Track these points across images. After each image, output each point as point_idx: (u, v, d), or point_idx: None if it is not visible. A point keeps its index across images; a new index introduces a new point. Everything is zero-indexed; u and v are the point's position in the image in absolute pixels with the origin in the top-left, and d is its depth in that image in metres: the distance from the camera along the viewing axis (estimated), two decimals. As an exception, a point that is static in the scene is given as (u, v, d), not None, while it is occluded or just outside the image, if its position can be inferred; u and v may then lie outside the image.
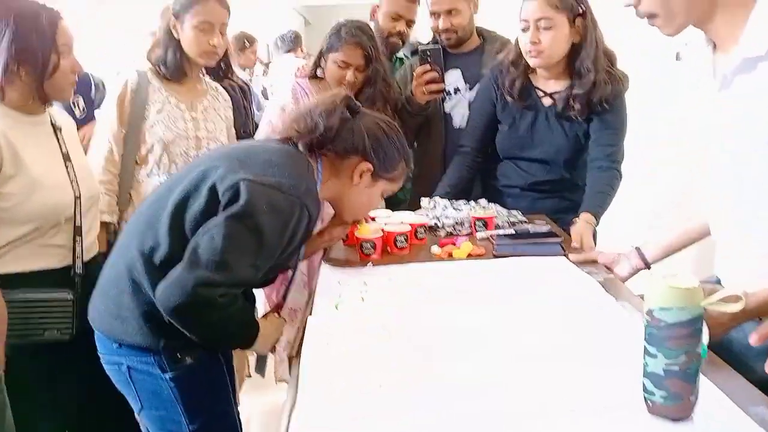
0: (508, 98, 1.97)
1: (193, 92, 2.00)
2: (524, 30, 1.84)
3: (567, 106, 1.88)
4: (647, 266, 1.45)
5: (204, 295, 1.13)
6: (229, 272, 1.14)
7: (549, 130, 1.94)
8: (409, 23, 2.43)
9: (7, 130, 1.40)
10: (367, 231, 1.62)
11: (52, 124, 1.55)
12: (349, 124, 1.35)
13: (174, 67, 1.93)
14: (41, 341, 1.43)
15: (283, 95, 2.17)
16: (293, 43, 5.39)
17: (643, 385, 0.88)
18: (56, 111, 1.62)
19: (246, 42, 4.78)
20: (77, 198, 1.50)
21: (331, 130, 1.32)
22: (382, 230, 1.66)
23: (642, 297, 1.30)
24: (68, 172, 1.51)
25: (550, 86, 1.93)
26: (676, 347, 0.84)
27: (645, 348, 0.88)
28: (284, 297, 1.58)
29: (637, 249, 1.47)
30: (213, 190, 1.19)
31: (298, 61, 4.98)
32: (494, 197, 2.00)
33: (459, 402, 0.92)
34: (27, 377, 1.41)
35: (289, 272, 1.53)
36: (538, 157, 1.97)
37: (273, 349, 1.41)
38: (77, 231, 1.50)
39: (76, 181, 1.51)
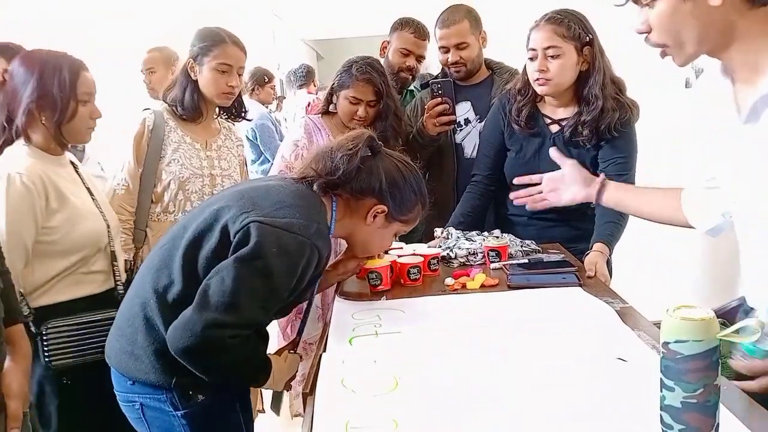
0: (515, 126, 1.99)
1: (207, 131, 2.06)
2: (532, 59, 1.86)
3: (575, 132, 1.89)
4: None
5: (213, 336, 1.14)
6: (238, 314, 1.15)
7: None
8: (419, 59, 2.47)
9: (45, 169, 1.54)
10: (378, 263, 1.62)
11: (71, 162, 1.69)
12: (368, 164, 1.36)
13: (191, 108, 1.99)
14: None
15: (295, 131, 2.21)
16: (305, 78, 5.48)
17: (661, 418, 0.87)
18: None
19: (265, 78, 4.88)
20: (108, 226, 1.66)
21: (350, 173, 1.34)
22: (392, 262, 1.66)
23: (659, 326, 1.29)
24: (95, 203, 1.66)
25: (557, 113, 1.95)
26: (693, 380, 0.83)
27: (662, 381, 0.87)
28: (300, 332, 1.60)
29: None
30: (225, 230, 1.21)
31: (310, 97, 5.08)
32: (504, 226, 2.00)
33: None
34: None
35: (304, 305, 1.56)
36: None
37: (288, 387, 1.41)
38: (113, 256, 1.66)
39: (103, 211, 1.67)
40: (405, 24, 2.43)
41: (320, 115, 2.21)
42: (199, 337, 1.13)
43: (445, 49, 2.31)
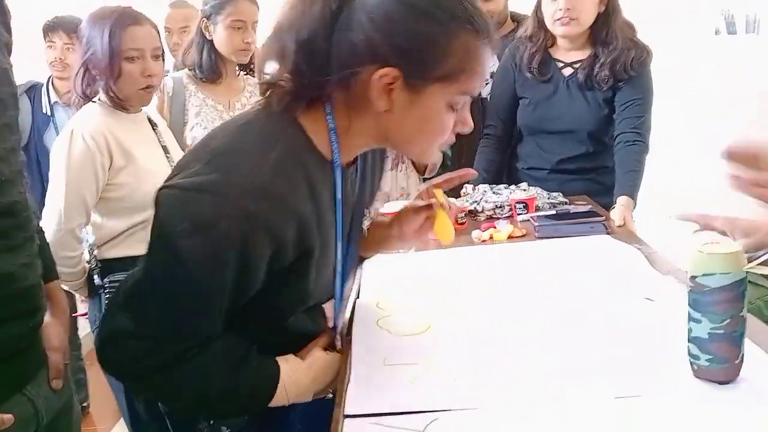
0: (527, 74, 1.98)
1: (229, 91, 2.06)
2: None
3: (590, 74, 1.88)
4: None
5: (120, 349, 0.86)
6: (148, 322, 0.83)
7: (570, 100, 1.95)
8: None
9: (112, 127, 1.58)
10: (449, 232, 1.11)
11: (149, 120, 1.73)
12: (342, 21, 0.81)
13: (209, 68, 1.99)
14: None
15: None
16: None
17: (688, 349, 0.90)
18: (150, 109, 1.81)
19: None
20: None
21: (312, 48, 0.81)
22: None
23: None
24: (168, 161, 1.69)
25: (570, 56, 1.95)
26: (720, 312, 0.86)
27: (689, 314, 0.89)
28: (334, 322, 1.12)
29: None
30: None
31: None
32: (521, 180, 2.00)
33: (504, 373, 0.95)
34: None
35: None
36: (561, 128, 1.97)
37: (326, 392, 1.02)
38: None
39: None
40: None
41: None
42: (104, 349, 0.87)
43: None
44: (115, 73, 1.56)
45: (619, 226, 1.62)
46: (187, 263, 0.79)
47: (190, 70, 2.03)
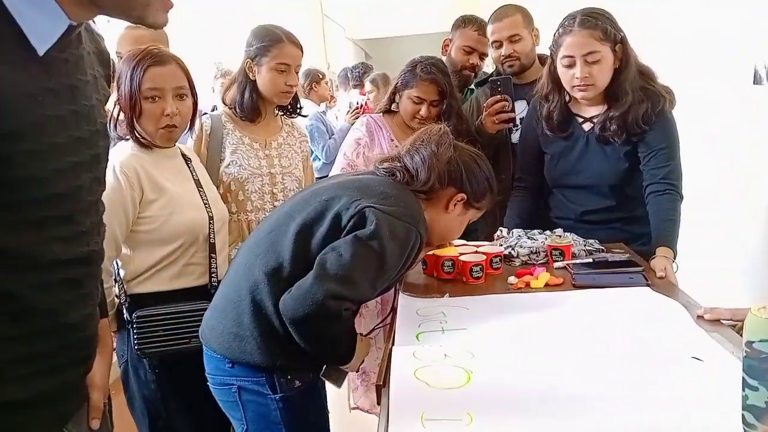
0: (548, 132, 1.98)
1: (267, 130, 2.08)
2: (569, 66, 1.82)
3: (604, 128, 1.87)
4: None
5: (332, 307, 1.22)
6: (354, 288, 1.24)
7: (590, 154, 1.93)
8: (482, 56, 2.49)
9: (143, 162, 1.61)
10: (449, 251, 1.71)
11: (183, 155, 1.76)
12: (447, 156, 1.44)
13: (250, 108, 2.02)
14: (187, 350, 1.57)
15: (357, 129, 2.24)
16: (361, 77, 5.52)
17: (743, 417, 0.87)
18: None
19: (319, 75, 4.99)
20: (210, 219, 1.70)
21: (428, 183, 1.42)
22: (455, 258, 1.71)
23: (733, 327, 1.28)
24: (201, 196, 1.72)
25: (589, 111, 1.93)
26: (779, 380, 0.83)
27: (744, 380, 0.86)
28: (385, 318, 1.70)
29: None
30: (337, 217, 1.31)
31: (359, 98, 5.15)
32: (549, 229, 1.97)
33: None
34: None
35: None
36: (582, 183, 1.95)
37: (359, 369, 1.47)
38: (212, 249, 1.69)
39: (209, 204, 1.72)
40: (468, 21, 2.44)
41: (382, 114, 2.25)
42: (319, 305, 1.20)
43: (498, 44, 2.31)
44: (136, 112, 1.59)
45: (660, 278, 1.58)
46: (386, 255, 1.27)
47: (230, 108, 2.06)
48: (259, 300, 1.31)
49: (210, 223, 1.69)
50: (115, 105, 1.61)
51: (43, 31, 0.75)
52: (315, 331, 1.26)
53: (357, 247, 1.24)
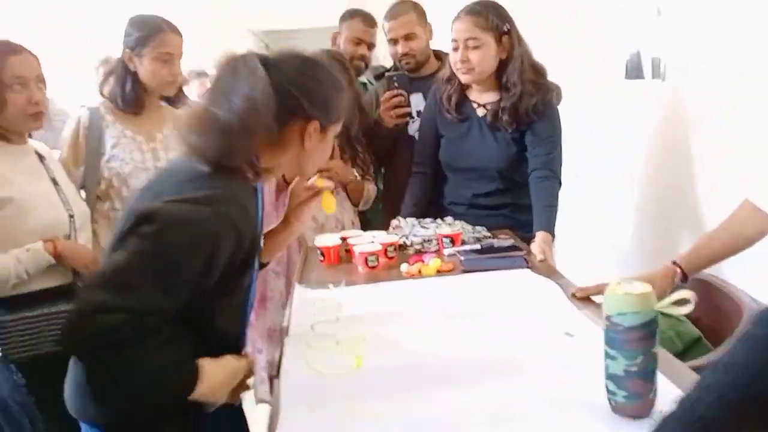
0: (446, 115, 2.07)
1: (151, 122, 1.99)
2: (455, 49, 1.96)
3: (496, 117, 1.98)
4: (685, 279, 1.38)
5: (101, 323, 0.93)
6: (130, 295, 0.95)
7: (481, 139, 2.04)
8: (370, 46, 2.54)
9: None
10: (332, 204, 1.47)
11: (36, 152, 1.67)
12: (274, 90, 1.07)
13: (132, 100, 1.93)
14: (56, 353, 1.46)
15: None
16: None
17: (606, 386, 0.95)
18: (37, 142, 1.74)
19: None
20: (71, 217, 1.64)
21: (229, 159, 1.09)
22: (350, 248, 1.76)
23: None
24: (59, 194, 1.65)
25: (483, 98, 2.04)
26: (634, 349, 0.91)
27: (605, 351, 0.94)
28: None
29: (675, 263, 1.39)
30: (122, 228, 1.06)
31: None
32: (442, 215, 2.06)
33: (434, 414, 0.97)
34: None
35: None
36: (471, 165, 2.05)
37: (235, 398, 1.20)
38: None
39: (68, 202, 1.65)
40: (353, 14, 2.52)
41: None
42: (88, 323, 0.93)
43: (394, 41, 2.37)
44: None
45: (540, 261, 1.69)
46: (172, 246, 0.99)
47: (110, 101, 1.96)
48: None
49: (71, 221, 1.63)
50: None
51: None
52: (97, 361, 0.97)
53: (133, 244, 0.99)
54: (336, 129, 1.23)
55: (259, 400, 2.30)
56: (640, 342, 0.91)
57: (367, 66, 2.58)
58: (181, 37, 1.97)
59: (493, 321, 1.31)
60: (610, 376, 0.94)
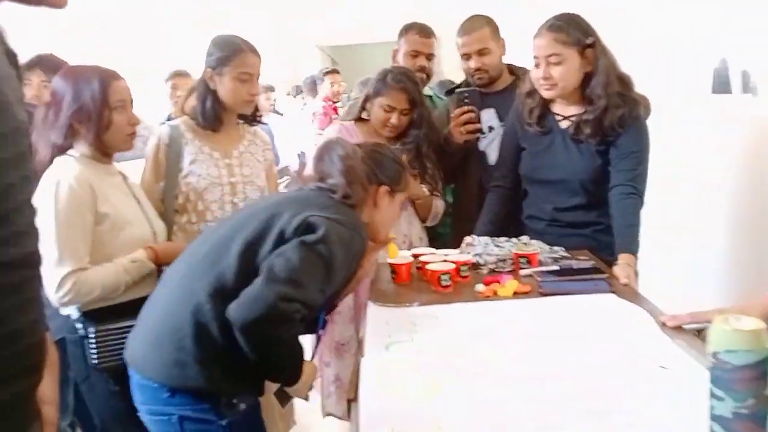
0: (528, 128, 2.02)
1: (228, 139, 2.05)
2: (536, 66, 1.91)
3: (578, 130, 1.91)
4: None
5: (283, 309, 1.21)
6: (303, 291, 1.24)
7: (565, 150, 1.97)
8: (429, 57, 2.52)
9: (91, 177, 1.61)
10: (396, 252, 1.77)
11: (119, 172, 1.76)
12: (352, 163, 1.48)
13: (212, 117, 1.99)
14: None
15: (330, 136, 2.23)
16: (311, 86, 5.84)
17: (711, 428, 0.88)
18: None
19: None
20: (154, 233, 1.75)
21: (355, 194, 1.46)
22: (423, 266, 1.74)
23: (697, 333, 1.30)
24: (143, 212, 1.74)
25: (568, 110, 1.98)
26: (744, 390, 0.84)
27: (711, 391, 0.87)
28: (318, 335, 1.63)
29: None
30: (281, 233, 1.31)
31: (314, 105, 5.29)
32: (520, 232, 2.00)
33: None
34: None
35: (337, 309, 1.68)
36: (553, 177, 1.99)
37: (307, 396, 1.45)
38: None
39: (150, 219, 1.75)
40: (408, 28, 2.51)
41: (353, 121, 2.25)
42: (271, 307, 1.19)
43: (467, 56, 2.33)
44: (104, 124, 1.62)
45: (624, 285, 1.61)
46: (334, 260, 1.29)
47: (191, 118, 2.02)
48: (204, 322, 1.27)
49: (155, 236, 1.75)
50: (67, 120, 1.60)
51: None
52: (266, 337, 1.24)
53: (305, 251, 1.26)
54: (403, 197, 1.61)
55: (327, 413, 2.30)
56: (751, 382, 0.84)
57: (428, 77, 2.57)
58: (260, 57, 2.02)
59: (578, 349, 1.25)
60: (715, 418, 0.87)
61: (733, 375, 0.84)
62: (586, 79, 1.89)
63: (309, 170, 1.89)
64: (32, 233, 0.89)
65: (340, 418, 2.26)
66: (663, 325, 1.33)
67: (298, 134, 5.31)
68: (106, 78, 1.63)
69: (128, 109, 1.68)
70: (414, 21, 2.55)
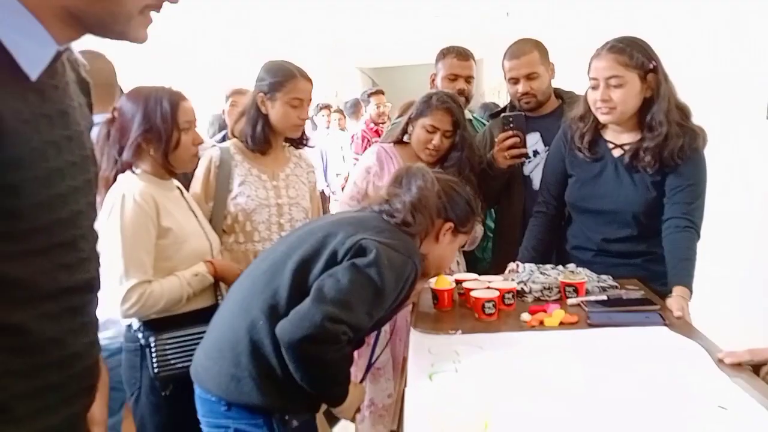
0: (578, 153, 1.96)
1: (275, 161, 2.09)
2: (594, 88, 1.85)
3: (636, 157, 1.85)
4: None
5: (330, 329, 1.21)
6: (351, 313, 1.24)
7: (617, 180, 1.90)
8: (468, 80, 2.50)
9: (154, 192, 1.67)
10: (445, 282, 1.73)
11: (177, 186, 1.82)
12: (428, 193, 1.49)
13: (261, 141, 2.04)
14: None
15: (368, 158, 2.24)
16: (354, 108, 5.93)
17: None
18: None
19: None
20: (210, 245, 1.80)
21: (419, 223, 1.47)
22: (466, 292, 1.70)
23: (753, 370, 1.24)
24: (200, 225, 1.80)
25: (621, 138, 1.91)
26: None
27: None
28: (370, 361, 1.66)
29: None
30: (334, 253, 1.32)
31: (357, 127, 5.38)
32: (566, 261, 1.94)
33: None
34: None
35: (373, 334, 1.65)
36: (604, 208, 1.92)
37: (354, 418, 1.48)
38: None
39: (207, 233, 1.81)
40: (446, 53, 2.51)
41: (393, 144, 2.25)
42: (318, 327, 1.19)
43: (514, 80, 2.31)
44: (172, 144, 1.67)
45: (677, 318, 1.54)
46: (384, 284, 1.28)
47: (241, 140, 2.06)
48: (258, 339, 1.30)
49: (211, 250, 1.80)
50: (135, 139, 1.65)
51: (33, 56, 0.75)
52: (312, 357, 1.24)
53: (355, 273, 1.26)
54: (463, 239, 1.60)
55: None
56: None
57: (468, 100, 2.55)
58: (311, 83, 2.06)
59: (631, 384, 1.20)
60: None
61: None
62: (643, 106, 1.84)
63: (377, 189, 2.02)
64: (94, 258, 0.92)
65: None
66: (720, 362, 1.27)
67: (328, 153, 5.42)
68: (176, 99, 1.68)
69: (194, 129, 1.73)
70: (451, 45, 2.55)
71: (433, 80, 2.57)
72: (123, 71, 2.21)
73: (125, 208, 1.59)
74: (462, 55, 2.49)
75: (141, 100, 1.65)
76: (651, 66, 1.80)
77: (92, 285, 0.90)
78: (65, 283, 0.83)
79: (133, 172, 1.69)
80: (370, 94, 5.45)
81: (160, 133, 1.65)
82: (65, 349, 0.85)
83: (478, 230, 2.26)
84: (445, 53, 2.51)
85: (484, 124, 2.61)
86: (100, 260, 0.94)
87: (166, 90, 1.69)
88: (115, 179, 1.67)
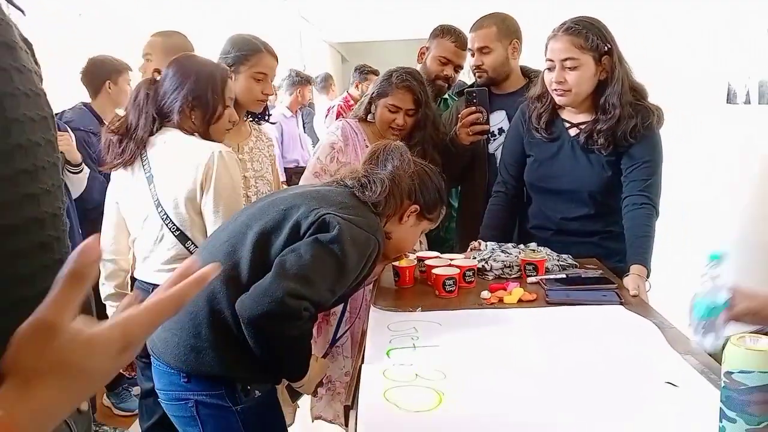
0: (535, 132, 1.96)
1: (238, 135, 2.06)
2: (550, 69, 1.85)
3: (590, 139, 1.86)
4: None
5: (291, 305, 1.20)
6: (313, 288, 1.24)
7: (573, 159, 1.91)
8: (457, 68, 2.44)
9: None
10: (404, 262, 1.73)
11: None
12: (400, 173, 1.48)
13: None
14: None
15: (332, 133, 2.20)
16: (324, 82, 5.75)
17: (722, 451, 0.85)
18: None
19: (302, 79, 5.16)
20: None
21: (387, 200, 1.46)
22: (428, 271, 1.70)
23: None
24: None
25: (577, 118, 1.92)
26: (758, 413, 0.81)
27: (722, 411, 0.84)
28: (334, 338, 1.64)
29: None
30: (296, 225, 1.31)
31: (329, 103, 5.23)
32: (526, 240, 1.95)
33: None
34: None
35: (338, 310, 1.66)
36: (562, 188, 1.93)
37: (315, 393, 1.48)
38: None
39: None
40: (446, 32, 2.39)
41: (357, 119, 2.21)
42: (279, 303, 1.18)
43: (471, 52, 2.29)
44: (216, 116, 1.73)
45: (633, 296, 1.57)
46: (347, 260, 1.28)
47: None
48: (218, 309, 1.28)
49: None
50: (188, 102, 1.68)
51: None
52: (272, 332, 1.23)
53: (317, 249, 1.25)
54: (427, 225, 1.60)
55: (316, 417, 2.26)
56: (765, 405, 0.81)
57: (450, 87, 2.50)
58: (277, 60, 2.05)
59: (584, 361, 1.22)
60: (726, 440, 0.84)
61: (747, 396, 0.81)
62: (598, 87, 1.84)
63: (342, 165, 2.01)
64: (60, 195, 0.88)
65: (329, 422, 2.22)
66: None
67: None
68: (225, 76, 1.75)
69: (231, 106, 1.78)
70: (452, 26, 2.42)
71: (422, 54, 2.46)
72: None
73: (231, 163, 1.65)
74: (461, 42, 2.38)
75: (194, 70, 1.70)
76: (606, 48, 1.80)
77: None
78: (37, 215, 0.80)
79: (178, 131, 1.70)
80: (369, 72, 5.17)
81: (209, 103, 1.70)
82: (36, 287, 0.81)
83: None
84: (444, 33, 2.39)
85: (455, 100, 2.58)
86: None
87: (219, 66, 1.78)
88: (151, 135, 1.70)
